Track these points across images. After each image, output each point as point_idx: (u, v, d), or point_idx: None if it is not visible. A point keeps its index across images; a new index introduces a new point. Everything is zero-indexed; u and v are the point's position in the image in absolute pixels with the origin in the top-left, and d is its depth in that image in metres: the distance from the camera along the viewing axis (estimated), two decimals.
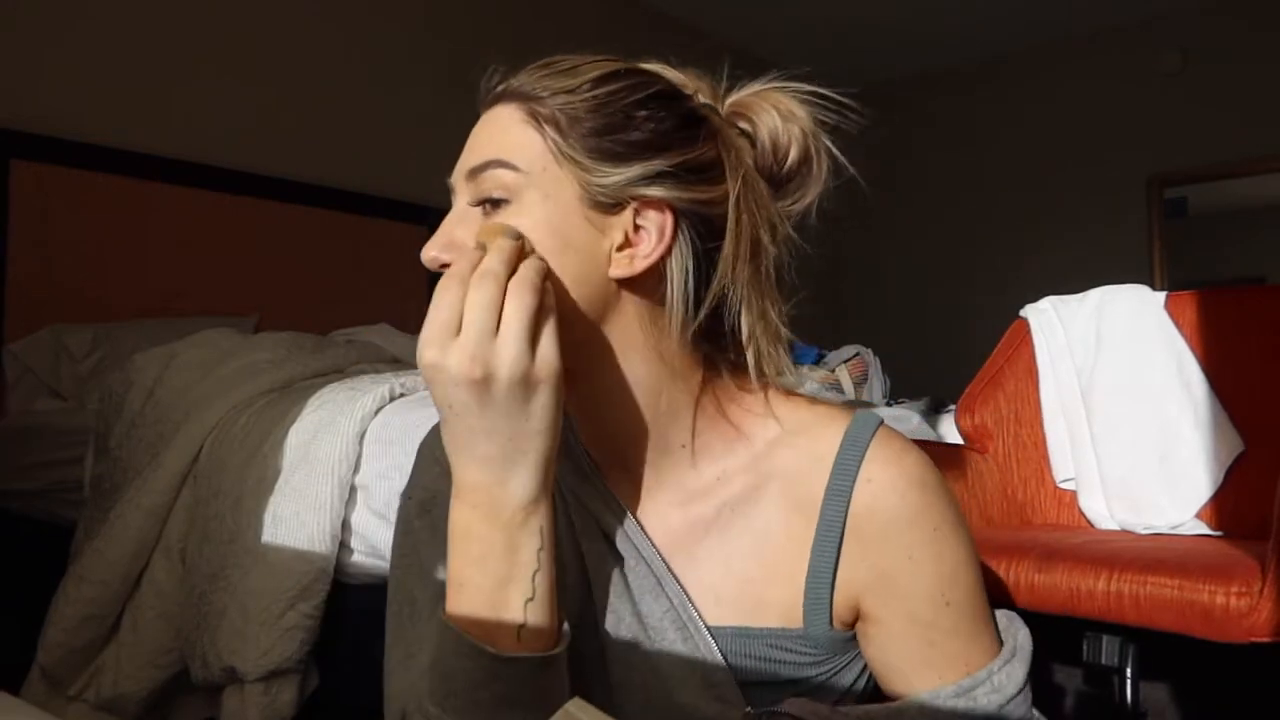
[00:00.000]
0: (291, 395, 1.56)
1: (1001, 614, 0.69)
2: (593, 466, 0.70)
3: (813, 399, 0.70)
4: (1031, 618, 0.68)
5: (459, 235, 0.63)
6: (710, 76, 0.69)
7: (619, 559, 0.67)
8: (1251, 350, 1.55)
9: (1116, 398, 1.59)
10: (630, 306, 0.64)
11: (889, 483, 0.64)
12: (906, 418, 1.91)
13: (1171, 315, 1.61)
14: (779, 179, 0.68)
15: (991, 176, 4.89)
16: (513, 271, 0.57)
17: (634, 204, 0.62)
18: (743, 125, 0.68)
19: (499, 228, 0.60)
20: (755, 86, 0.69)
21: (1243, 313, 1.59)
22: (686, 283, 0.63)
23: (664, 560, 0.66)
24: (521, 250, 0.59)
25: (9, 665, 1.56)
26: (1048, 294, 1.76)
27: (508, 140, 0.62)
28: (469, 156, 0.64)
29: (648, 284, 0.63)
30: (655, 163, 0.61)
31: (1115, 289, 1.69)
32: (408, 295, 3.03)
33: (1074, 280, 1.97)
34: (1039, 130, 4.73)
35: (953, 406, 1.87)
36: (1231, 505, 1.47)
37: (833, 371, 2.46)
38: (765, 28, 4.52)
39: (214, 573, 1.41)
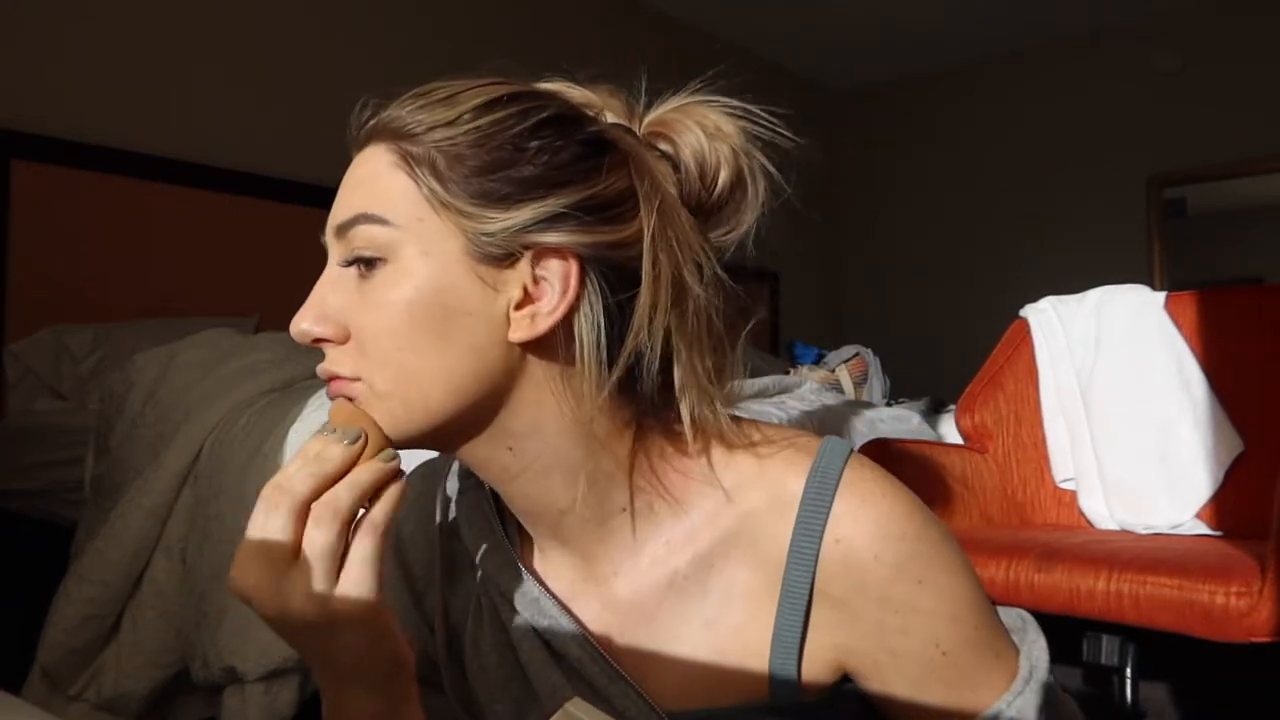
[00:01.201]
0: (292, 395, 1.56)
1: (1014, 615, 0.63)
2: (514, 551, 0.63)
3: (766, 434, 0.60)
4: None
5: (333, 305, 0.55)
6: (626, 92, 0.61)
7: (554, 654, 0.60)
8: (1251, 350, 1.55)
9: (1116, 398, 1.59)
10: (537, 370, 0.55)
11: (862, 543, 0.55)
12: (906, 418, 1.92)
13: (1171, 315, 1.61)
14: (709, 206, 0.60)
15: (991, 177, 4.89)
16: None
17: (529, 253, 0.53)
18: (663, 147, 0.59)
19: (350, 414, 0.54)
20: (676, 101, 0.60)
21: (1242, 313, 1.59)
22: (600, 339, 0.54)
23: (603, 650, 0.59)
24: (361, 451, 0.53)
25: (9, 665, 1.56)
26: (1048, 294, 1.77)
27: (376, 189, 0.54)
28: (336, 209, 0.56)
29: (555, 342, 0.54)
30: (550, 202, 0.53)
31: (1115, 289, 1.69)
32: None
33: (1074, 280, 1.97)
34: (1039, 130, 4.73)
35: (953, 406, 1.87)
36: (1231, 505, 1.47)
37: (833, 371, 2.46)
38: (765, 28, 4.52)
39: (215, 573, 1.40)
